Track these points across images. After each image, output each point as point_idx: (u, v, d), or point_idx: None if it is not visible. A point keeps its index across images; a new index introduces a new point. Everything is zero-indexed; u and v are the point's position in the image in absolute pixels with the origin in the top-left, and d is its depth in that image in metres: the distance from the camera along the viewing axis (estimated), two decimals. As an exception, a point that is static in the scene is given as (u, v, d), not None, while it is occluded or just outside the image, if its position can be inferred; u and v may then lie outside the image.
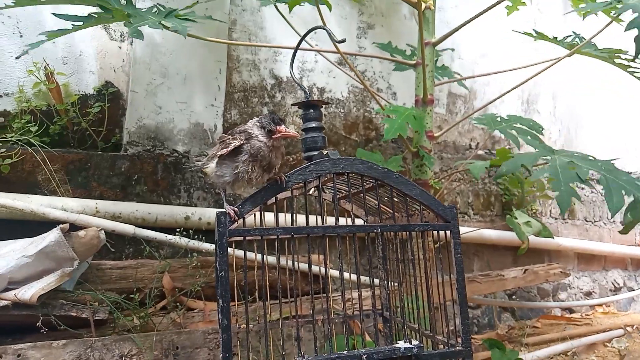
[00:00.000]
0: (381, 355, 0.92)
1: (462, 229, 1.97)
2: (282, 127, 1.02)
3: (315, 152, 1.08)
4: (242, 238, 0.94)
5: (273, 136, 1.01)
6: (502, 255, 2.91)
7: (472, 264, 2.81)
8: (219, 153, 1.01)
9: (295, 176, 0.99)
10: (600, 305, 3.23)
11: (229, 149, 0.99)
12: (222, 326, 0.89)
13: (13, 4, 1.53)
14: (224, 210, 0.94)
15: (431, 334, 1.02)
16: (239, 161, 0.99)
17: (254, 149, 1.00)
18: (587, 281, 3.34)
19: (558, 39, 2.04)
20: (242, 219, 0.95)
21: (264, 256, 1.01)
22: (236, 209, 0.94)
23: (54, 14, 1.58)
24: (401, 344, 0.95)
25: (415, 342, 0.95)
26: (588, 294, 3.32)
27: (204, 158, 1.12)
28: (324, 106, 1.17)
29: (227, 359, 0.87)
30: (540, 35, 2.02)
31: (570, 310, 3.14)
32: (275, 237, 0.95)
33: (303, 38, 1.14)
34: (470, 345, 0.98)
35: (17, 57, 1.66)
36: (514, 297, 2.96)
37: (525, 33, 2.08)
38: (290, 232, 0.95)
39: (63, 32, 1.56)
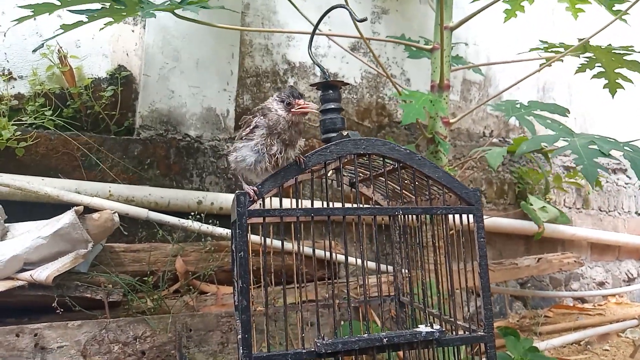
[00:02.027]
0: (402, 339, 0.90)
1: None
2: (301, 101, 0.99)
3: (335, 134, 1.05)
4: (261, 219, 0.92)
5: (292, 110, 0.99)
6: (514, 244, 2.88)
7: (485, 252, 2.79)
8: (243, 133, 0.99)
9: (316, 157, 0.96)
10: (613, 295, 3.19)
11: (251, 126, 0.97)
12: (241, 307, 0.88)
13: (32, 13, 1.53)
14: (243, 190, 0.92)
15: (452, 319, 1.00)
16: (257, 136, 0.97)
17: (272, 121, 0.98)
18: (600, 271, 3.30)
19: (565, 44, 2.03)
20: (261, 200, 0.93)
21: (283, 239, 1.00)
22: (255, 188, 0.93)
23: (70, 11, 1.57)
24: (422, 328, 0.93)
25: (436, 327, 0.93)
26: (601, 284, 3.29)
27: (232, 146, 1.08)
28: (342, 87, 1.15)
29: (246, 340, 0.86)
30: (547, 44, 2.00)
31: (583, 300, 3.11)
32: (295, 218, 0.93)
33: (323, 17, 1.11)
34: (492, 331, 0.96)
35: (33, 51, 1.66)
36: (528, 284, 2.93)
37: (531, 49, 2.07)
38: (310, 213, 0.93)
39: (78, 24, 1.56)
